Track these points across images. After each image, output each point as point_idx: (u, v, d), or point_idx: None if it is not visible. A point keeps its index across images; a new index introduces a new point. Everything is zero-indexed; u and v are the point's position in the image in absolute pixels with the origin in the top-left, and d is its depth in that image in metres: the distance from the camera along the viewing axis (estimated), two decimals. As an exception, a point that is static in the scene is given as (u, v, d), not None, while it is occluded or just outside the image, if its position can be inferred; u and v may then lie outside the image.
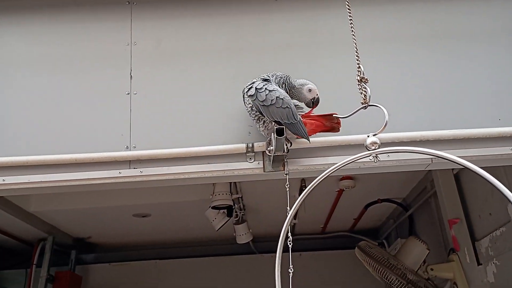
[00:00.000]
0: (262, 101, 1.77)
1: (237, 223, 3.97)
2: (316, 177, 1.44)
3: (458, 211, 3.13)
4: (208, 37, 2.17)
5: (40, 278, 4.40)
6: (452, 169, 3.18)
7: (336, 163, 1.45)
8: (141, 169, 1.93)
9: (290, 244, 1.46)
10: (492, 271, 2.79)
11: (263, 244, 4.95)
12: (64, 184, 1.93)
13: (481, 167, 1.28)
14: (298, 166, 1.91)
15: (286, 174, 1.85)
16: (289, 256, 1.41)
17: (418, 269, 3.05)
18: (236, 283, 4.99)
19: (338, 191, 3.86)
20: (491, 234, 2.79)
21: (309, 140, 1.83)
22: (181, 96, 2.06)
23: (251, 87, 1.81)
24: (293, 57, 2.12)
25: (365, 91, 1.66)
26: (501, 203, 2.67)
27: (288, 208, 1.53)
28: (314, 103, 1.89)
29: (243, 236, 4.02)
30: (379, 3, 2.21)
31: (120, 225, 4.50)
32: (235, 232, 4.04)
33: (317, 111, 1.92)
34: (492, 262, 2.79)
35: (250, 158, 1.92)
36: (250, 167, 1.92)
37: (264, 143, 1.89)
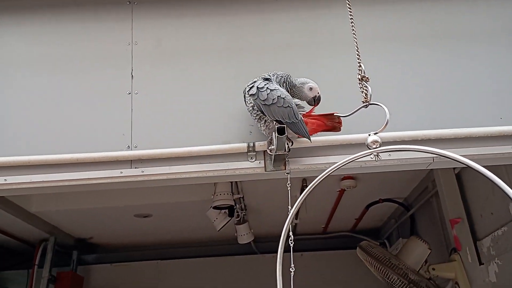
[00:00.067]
0: (263, 100, 1.77)
1: (239, 223, 3.97)
2: (318, 176, 1.44)
3: (460, 211, 3.13)
4: (209, 37, 2.18)
5: (42, 279, 4.41)
6: (454, 168, 3.18)
7: (338, 162, 1.45)
8: (143, 169, 1.93)
9: (291, 243, 1.46)
10: (494, 270, 2.78)
11: (265, 245, 4.95)
12: (66, 184, 1.93)
13: (483, 166, 1.28)
14: (299, 166, 1.91)
15: (288, 173, 1.85)
16: (291, 256, 1.41)
17: (419, 269, 3.05)
18: (238, 283, 4.99)
19: (339, 191, 3.86)
20: (492, 234, 2.79)
21: (310, 140, 1.83)
22: (182, 95, 2.06)
23: (253, 86, 1.81)
24: (293, 57, 2.12)
25: (366, 90, 1.67)
26: (503, 202, 2.67)
27: (290, 207, 1.53)
28: (315, 101, 1.89)
29: (244, 236, 4.02)
30: (379, 3, 2.21)
31: (121, 226, 4.50)
32: (236, 232, 4.05)
33: (318, 110, 1.92)
34: (494, 262, 2.78)
35: (251, 158, 1.92)
36: (252, 166, 1.92)
37: (265, 142, 1.89)
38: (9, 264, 4.92)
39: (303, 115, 1.88)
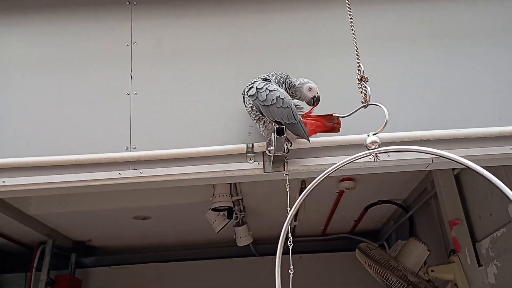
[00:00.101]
0: (262, 101, 1.76)
1: (237, 225, 3.95)
2: (317, 177, 1.44)
3: (459, 212, 3.12)
4: (208, 37, 2.17)
5: (40, 282, 4.38)
6: (453, 169, 3.18)
7: (336, 163, 1.45)
8: (141, 170, 1.92)
9: (290, 245, 1.45)
10: (492, 272, 2.78)
11: (263, 247, 4.93)
12: (64, 185, 1.93)
13: (482, 167, 1.28)
14: (298, 167, 1.91)
15: (286, 174, 1.85)
16: (290, 258, 1.40)
17: (418, 270, 3.04)
18: (237, 285, 4.97)
19: (338, 192, 3.85)
20: (491, 235, 2.79)
21: (309, 140, 1.83)
22: (181, 96, 2.06)
23: (252, 86, 1.81)
24: (293, 57, 2.12)
25: (365, 90, 1.66)
26: (502, 204, 2.67)
27: (289, 208, 1.53)
28: (314, 101, 1.89)
29: (243, 238, 4.01)
30: (379, 3, 2.21)
31: (120, 228, 4.49)
32: (235, 234, 4.03)
33: (317, 110, 1.92)
34: (492, 263, 2.78)
35: (250, 159, 1.92)
36: (250, 167, 1.92)
37: (264, 143, 1.89)
38: (7, 267, 4.89)
39: (302, 116, 1.88)
